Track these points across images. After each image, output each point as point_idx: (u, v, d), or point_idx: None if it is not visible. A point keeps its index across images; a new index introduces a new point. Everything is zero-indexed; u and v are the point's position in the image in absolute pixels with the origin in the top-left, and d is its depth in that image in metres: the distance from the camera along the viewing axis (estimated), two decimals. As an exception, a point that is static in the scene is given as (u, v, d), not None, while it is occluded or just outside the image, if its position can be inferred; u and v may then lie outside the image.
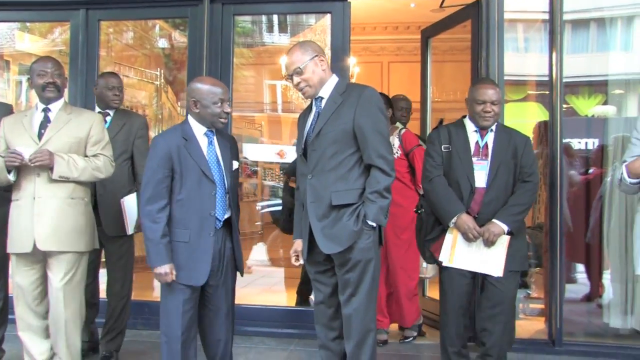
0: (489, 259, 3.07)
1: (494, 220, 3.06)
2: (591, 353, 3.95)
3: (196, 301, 2.93)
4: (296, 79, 2.84)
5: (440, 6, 4.95)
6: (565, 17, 4.12)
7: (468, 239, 3.06)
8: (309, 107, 3.00)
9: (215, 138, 2.97)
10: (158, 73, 7.62)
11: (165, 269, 2.79)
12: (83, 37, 4.63)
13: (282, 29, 9.47)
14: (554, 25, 4.07)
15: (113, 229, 3.74)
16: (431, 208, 3.23)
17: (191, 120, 2.95)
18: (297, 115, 3.13)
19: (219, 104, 2.88)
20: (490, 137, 3.17)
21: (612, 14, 4.53)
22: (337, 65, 4.27)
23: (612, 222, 4.19)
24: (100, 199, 3.71)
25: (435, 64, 5.28)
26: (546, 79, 4.15)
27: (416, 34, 7.75)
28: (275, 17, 8.99)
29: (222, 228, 2.93)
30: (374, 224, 2.78)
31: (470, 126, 3.21)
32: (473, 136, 3.19)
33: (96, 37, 4.66)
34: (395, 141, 4.16)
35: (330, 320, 2.98)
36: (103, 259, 3.93)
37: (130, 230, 3.78)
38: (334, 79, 2.92)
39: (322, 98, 2.88)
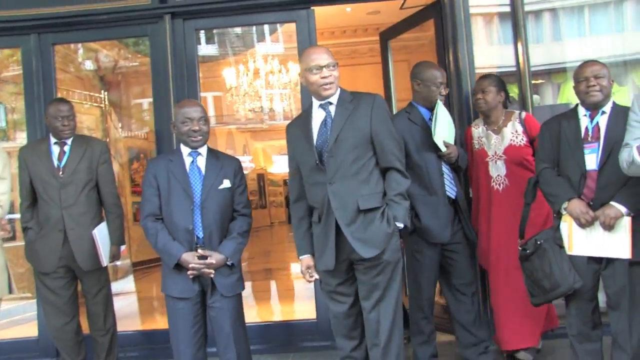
0: (611, 243, 2.93)
1: (610, 202, 2.92)
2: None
3: (195, 315, 3.07)
4: (334, 73, 2.82)
5: (401, 8, 5.01)
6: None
7: (580, 224, 2.97)
8: (304, 117, 2.96)
9: (203, 158, 3.14)
10: (102, 96, 7.35)
11: (184, 256, 2.99)
12: (37, 62, 4.42)
13: (210, 40, 9.38)
14: (517, 16, 4.22)
15: (89, 263, 3.59)
16: (545, 199, 3.18)
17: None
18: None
19: (186, 122, 3.06)
20: (602, 119, 3.04)
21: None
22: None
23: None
24: (72, 234, 3.55)
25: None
26: (514, 69, 4.25)
27: (362, 36, 7.98)
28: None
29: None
30: (402, 225, 2.80)
31: (581, 111, 3.13)
32: (584, 121, 3.09)
33: (51, 62, 4.46)
34: (517, 127, 3.68)
35: (350, 331, 2.96)
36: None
37: (105, 262, 3.64)
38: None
39: (330, 103, 2.87)
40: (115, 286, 6.91)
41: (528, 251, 3.16)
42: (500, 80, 3.77)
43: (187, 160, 3.12)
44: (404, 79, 5.91)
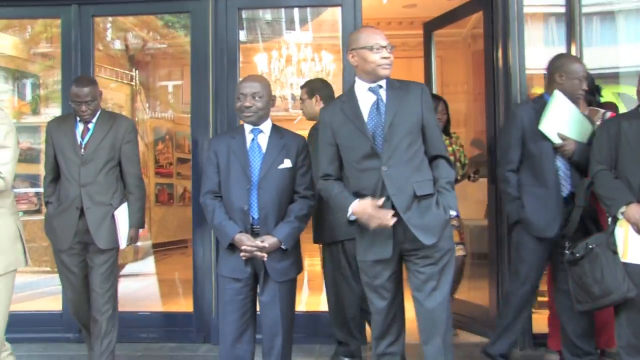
0: None
1: None
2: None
3: (244, 298, 2.97)
4: (391, 56, 2.72)
5: (448, -2, 4.88)
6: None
7: (639, 230, 2.86)
8: (349, 101, 2.78)
9: (265, 136, 3.01)
10: (133, 74, 7.29)
11: (238, 236, 2.88)
12: (76, 34, 4.36)
13: (240, 25, 9.28)
14: (572, 18, 4.06)
15: (106, 241, 3.49)
16: (599, 202, 3.08)
17: None
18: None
19: (240, 98, 2.97)
20: None
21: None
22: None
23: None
24: (88, 212, 3.45)
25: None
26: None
27: (397, 29, 7.87)
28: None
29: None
30: (455, 213, 2.72)
31: None
32: None
33: (90, 34, 4.39)
34: None
35: (390, 326, 2.83)
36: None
37: (123, 243, 3.53)
38: None
39: (380, 87, 2.75)
40: (136, 267, 6.94)
41: (577, 255, 3.05)
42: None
43: (249, 138, 3.00)
44: (439, 75, 5.79)
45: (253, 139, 2.99)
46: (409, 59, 7.93)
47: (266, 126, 3.02)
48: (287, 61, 8.05)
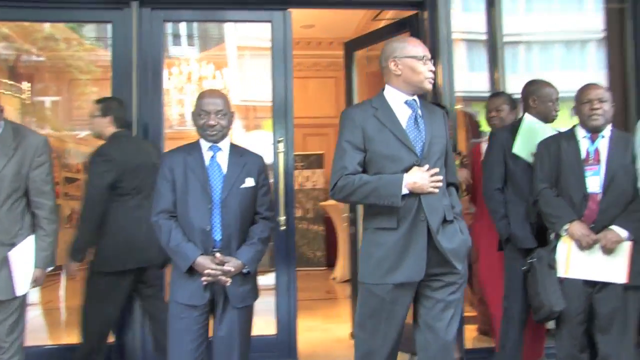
0: (609, 267, 2.97)
1: (611, 226, 2.98)
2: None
3: (200, 328, 2.77)
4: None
5: (374, 19, 4.95)
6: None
7: (581, 246, 2.99)
8: (382, 108, 2.60)
9: (224, 154, 2.86)
10: (24, 86, 6.72)
11: (200, 260, 2.69)
12: (-23, 40, 3.94)
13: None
14: (494, 45, 4.29)
15: (5, 291, 2.89)
16: (543, 220, 3.19)
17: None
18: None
19: (202, 115, 2.79)
20: (602, 143, 3.10)
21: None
22: (281, 76, 4.14)
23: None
24: None
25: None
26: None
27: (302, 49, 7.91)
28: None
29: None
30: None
31: (580, 133, 3.17)
32: (584, 143, 3.14)
33: (-5, 41, 3.99)
34: None
35: (390, 356, 2.64)
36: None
37: (19, 290, 2.92)
38: None
39: (415, 101, 2.66)
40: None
41: (523, 269, 3.21)
42: (512, 99, 3.89)
43: (207, 156, 2.83)
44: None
45: (212, 157, 2.83)
46: (304, 79, 8.04)
47: (225, 144, 2.88)
48: (188, 78, 7.84)
